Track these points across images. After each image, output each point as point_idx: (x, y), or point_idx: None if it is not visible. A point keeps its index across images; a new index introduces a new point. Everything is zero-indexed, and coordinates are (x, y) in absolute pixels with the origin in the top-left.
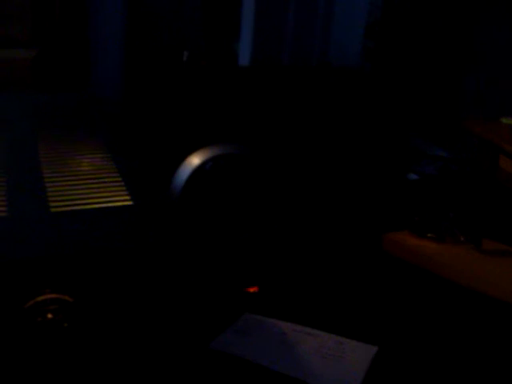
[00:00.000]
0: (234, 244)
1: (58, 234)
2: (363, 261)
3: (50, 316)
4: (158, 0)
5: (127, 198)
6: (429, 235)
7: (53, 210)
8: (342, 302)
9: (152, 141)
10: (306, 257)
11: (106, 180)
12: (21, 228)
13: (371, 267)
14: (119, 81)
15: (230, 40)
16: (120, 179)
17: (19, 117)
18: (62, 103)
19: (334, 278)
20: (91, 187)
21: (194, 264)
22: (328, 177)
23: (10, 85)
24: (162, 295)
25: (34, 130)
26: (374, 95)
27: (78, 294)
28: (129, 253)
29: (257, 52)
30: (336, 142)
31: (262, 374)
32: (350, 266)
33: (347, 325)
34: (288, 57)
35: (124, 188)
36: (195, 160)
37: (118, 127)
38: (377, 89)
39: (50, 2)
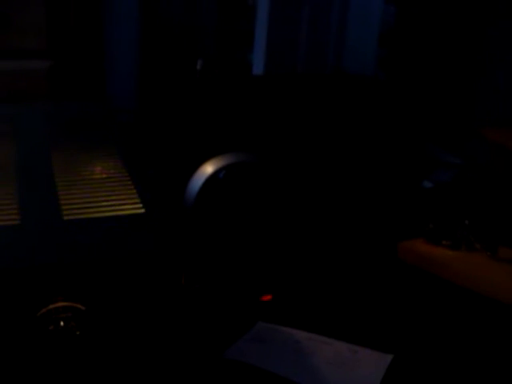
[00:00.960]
0: (248, 252)
1: (71, 242)
2: (378, 269)
3: (62, 324)
4: (173, 10)
5: (140, 205)
6: (444, 243)
7: (65, 217)
8: (357, 310)
9: (165, 149)
10: (321, 265)
11: (119, 188)
12: (33, 236)
13: (386, 275)
14: (133, 90)
15: (244, 50)
16: (133, 187)
17: (32, 126)
18: (75, 113)
19: (348, 286)
20: (104, 195)
21: (207, 272)
22: (343, 185)
23: (26, 95)
24: (174, 304)
25: (47, 139)
26: (389, 103)
27: (90, 301)
28: (141, 260)
29: (270, 61)
30: (351, 149)
31: (277, 382)
32: (364, 274)
33: (362, 333)
34: (302, 65)
35: (137, 196)
36: (208, 168)
37: (132, 136)
38: (391, 96)
39: (65, 13)
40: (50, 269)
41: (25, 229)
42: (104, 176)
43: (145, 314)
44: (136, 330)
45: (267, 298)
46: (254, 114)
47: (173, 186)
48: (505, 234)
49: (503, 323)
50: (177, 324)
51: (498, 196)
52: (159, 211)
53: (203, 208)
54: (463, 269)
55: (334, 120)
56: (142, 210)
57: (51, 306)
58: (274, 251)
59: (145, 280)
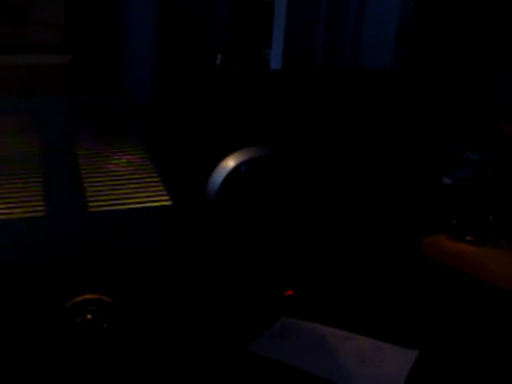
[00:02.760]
0: (270, 246)
1: (96, 234)
2: (402, 265)
3: (89, 317)
4: (189, 4)
5: (167, 198)
6: (468, 238)
7: (91, 209)
8: (381, 306)
9: (187, 143)
10: (344, 261)
11: (144, 180)
12: (59, 227)
13: (410, 271)
14: (150, 85)
15: (259, 46)
16: (158, 180)
17: (56, 118)
18: (97, 105)
19: (372, 282)
20: (130, 187)
21: (230, 266)
22: (364, 180)
23: (44, 89)
24: (199, 297)
25: (71, 132)
26: (407, 99)
27: (117, 294)
28: (167, 253)
29: (289, 56)
30: (370, 145)
31: (301, 378)
32: (388, 270)
33: (387, 329)
34: (320, 60)
35: (163, 188)
36: (230, 163)
37: (153, 130)
38: (409, 92)
39: (84, 8)
40: (76, 261)
41: (50, 221)
42: (129, 168)
43: (169, 306)
44: (161, 324)
45: (289, 293)
46: (273, 109)
47: (197, 179)
48: None
49: None
50: (201, 318)
51: None
52: (186, 204)
53: (225, 202)
54: (488, 265)
55: (354, 115)
56: (169, 203)
57: (78, 299)
58: (296, 246)
59: (170, 272)
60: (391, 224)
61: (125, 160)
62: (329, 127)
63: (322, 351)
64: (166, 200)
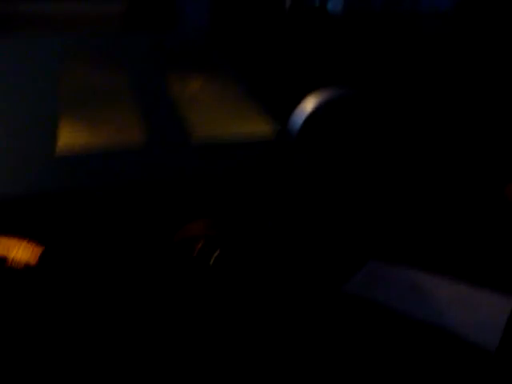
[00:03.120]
0: (355, 188)
1: (198, 163)
2: (489, 210)
3: (197, 252)
4: None
5: (265, 128)
6: None
7: (193, 140)
8: (474, 251)
9: (264, 82)
10: (434, 209)
11: (242, 110)
12: (162, 157)
13: (496, 217)
14: (206, 29)
15: None
16: (256, 110)
17: (137, 53)
18: (170, 42)
19: (462, 227)
20: (227, 117)
21: (319, 207)
22: (439, 127)
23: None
24: (298, 230)
25: (158, 64)
26: (473, 43)
27: (223, 221)
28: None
29: (349, 1)
30: (445, 90)
31: (395, 319)
32: (475, 216)
33: (482, 274)
34: (379, 4)
35: (261, 118)
36: (309, 105)
37: (236, 65)
38: (474, 37)
39: None
40: (184, 187)
41: (155, 150)
42: (225, 99)
43: (272, 242)
44: (268, 260)
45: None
46: (338, 52)
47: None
48: None
49: None
50: (300, 254)
51: None
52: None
53: (304, 144)
54: None
55: (422, 59)
56: (268, 132)
57: (187, 234)
58: (381, 188)
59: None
60: (476, 171)
61: (218, 90)
62: (402, 71)
63: (416, 294)
64: (264, 130)
